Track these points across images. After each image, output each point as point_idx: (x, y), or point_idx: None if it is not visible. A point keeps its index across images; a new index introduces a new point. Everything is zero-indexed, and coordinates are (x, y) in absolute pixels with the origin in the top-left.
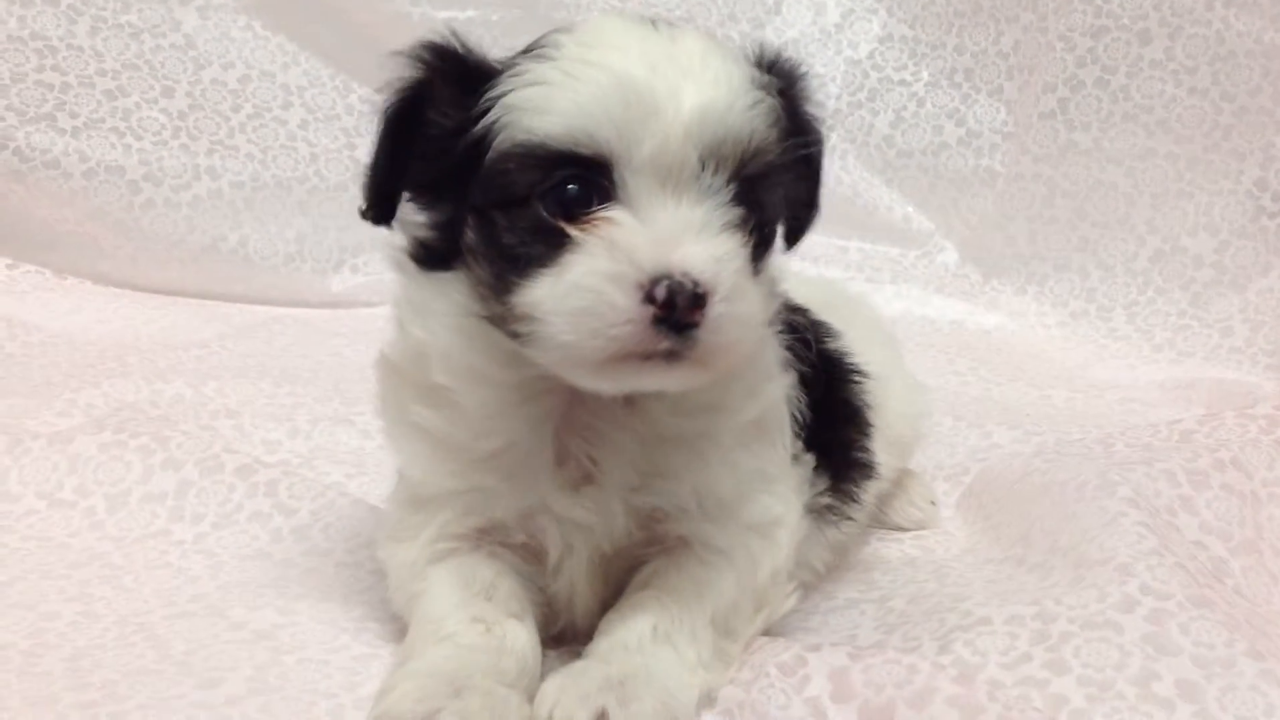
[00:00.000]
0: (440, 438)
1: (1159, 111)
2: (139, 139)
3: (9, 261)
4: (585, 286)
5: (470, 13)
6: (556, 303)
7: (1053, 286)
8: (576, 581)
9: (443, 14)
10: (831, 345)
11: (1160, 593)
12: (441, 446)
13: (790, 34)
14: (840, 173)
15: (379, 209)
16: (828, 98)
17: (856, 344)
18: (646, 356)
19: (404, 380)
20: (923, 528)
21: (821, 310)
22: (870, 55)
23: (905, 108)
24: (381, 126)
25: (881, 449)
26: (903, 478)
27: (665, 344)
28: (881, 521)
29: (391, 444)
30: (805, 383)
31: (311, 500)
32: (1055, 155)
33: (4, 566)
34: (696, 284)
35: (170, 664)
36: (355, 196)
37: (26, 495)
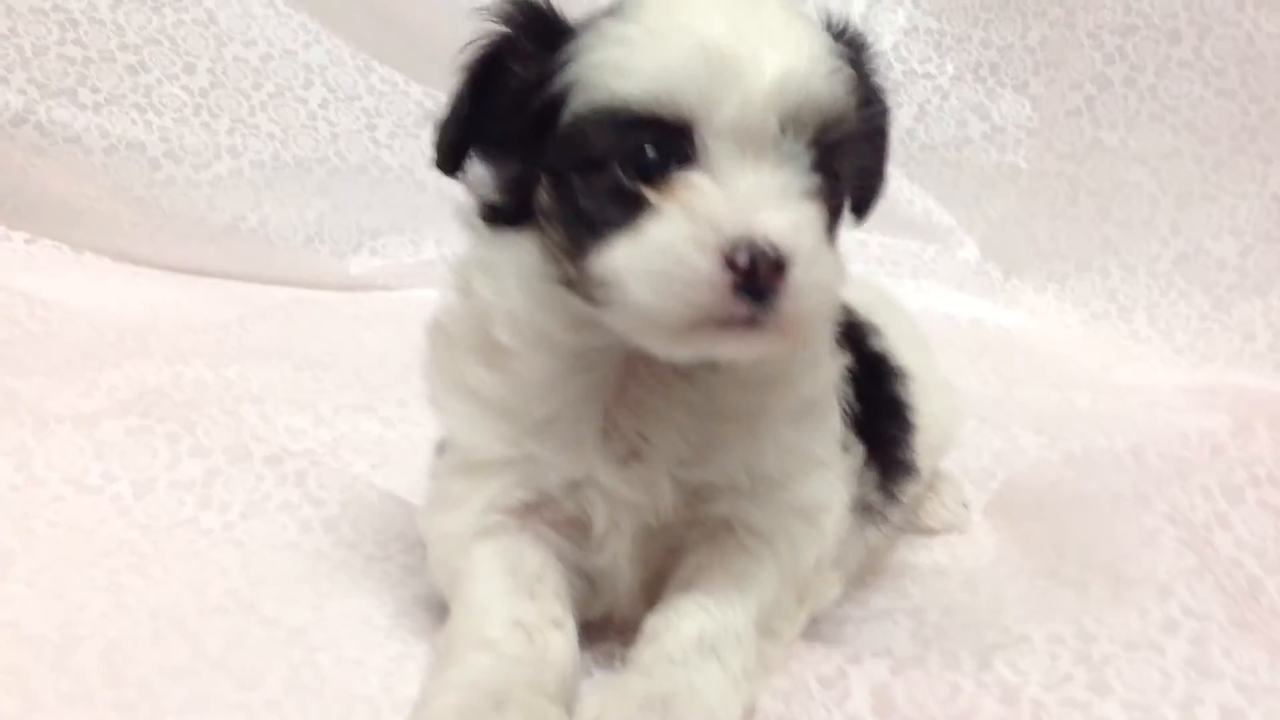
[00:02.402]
0: (494, 401)
1: (1186, 112)
2: (160, 115)
3: (27, 236)
4: (665, 250)
5: None
6: (635, 266)
7: (1074, 286)
8: (620, 558)
9: None
10: (876, 344)
11: (1201, 614)
12: (494, 410)
13: None
14: None
15: (452, 159)
16: None
17: (893, 345)
18: (725, 323)
19: (460, 344)
20: (952, 530)
21: (863, 308)
22: (895, 47)
23: (929, 101)
24: (464, 77)
25: (918, 451)
26: (934, 479)
27: (745, 310)
28: (911, 523)
29: (440, 410)
30: (854, 375)
31: (340, 492)
32: (1080, 153)
33: (32, 553)
34: (778, 250)
35: (205, 662)
36: (375, 178)
37: (52, 479)
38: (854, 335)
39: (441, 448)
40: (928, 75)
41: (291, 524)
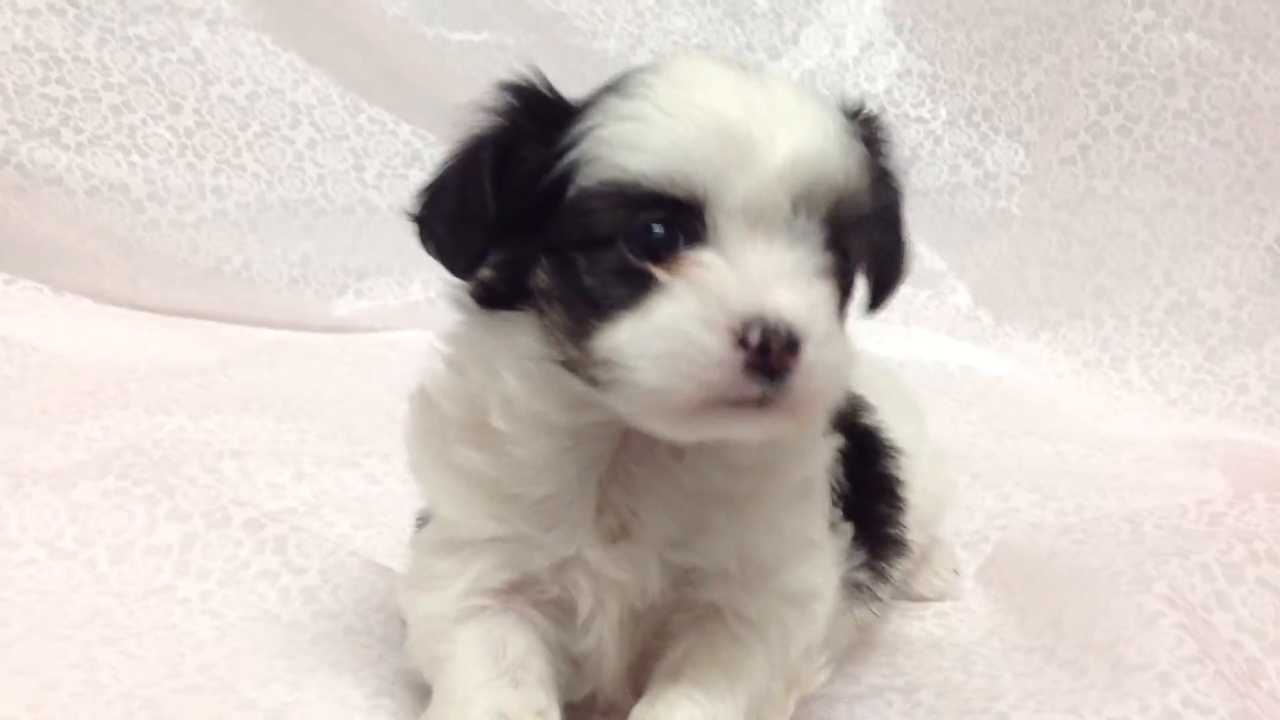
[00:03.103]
0: (483, 481)
1: (1181, 162)
2: (144, 156)
3: (6, 277)
4: (674, 329)
5: (485, 35)
6: (642, 346)
7: (1066, 334)
8: (606, 641)
9: (457, 36)
10: (867, 419)
11: (1203, 706)
12: (483, 489)
13: (807, 64)
14: None
15: (474, 263)
16: None
17: (885, 417)
18: (736, 403)
19: (447, 419)
20: (945, 598)
21: (854, 381)
22: (888, 90)
23: (922, 145)
24: (477, 174)
25: (909, 526)
26: (927, 546)
27: (757, 389)
28: (904, 591)
29: (424, 483)
30: (843, 454)
31: (320, 559)
32: (1074, 201)
33: (5, 624)
34: (790, 329)
35: None
36: (362, 219)
37: (26, 543)
38: (845, 411)
39: (423, 519)
40: (920, 119)
41: (270, 593)
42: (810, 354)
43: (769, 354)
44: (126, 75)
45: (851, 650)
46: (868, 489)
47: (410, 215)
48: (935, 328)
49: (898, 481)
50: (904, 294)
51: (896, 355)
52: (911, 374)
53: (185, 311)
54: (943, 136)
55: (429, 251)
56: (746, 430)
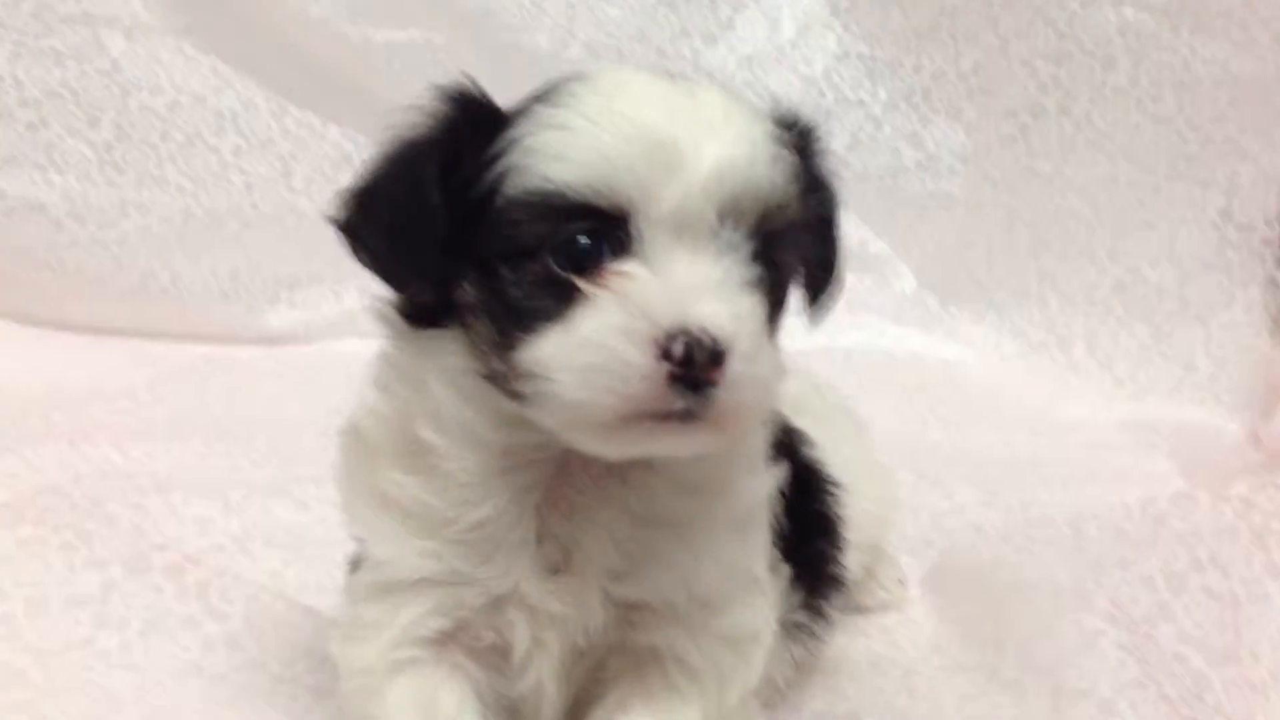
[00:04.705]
0: (414, 509)
1: (1122, 139)
2: (62, 174)
3: None
4: (597, 342)
5: (411, 33)
6: (566, 358)
7: (1012, 316)
8: (545, 682)
9: (382, 34)
10: (807, 453)
11: None
12: (414, 520)
13: (744, 50)
14: None
15: (422, 278)
16: None
17: (826, 440)
18: (661, 417)
19: (378, 450)
20: (889, 609)
21: (792, 407)
22: (826, 74)
23: (862, 129)
24: (426, 187)
25: (851, 550)
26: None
27: (681, 403)
28: (849, 602)
29: (354, 522)
30: (783, 492)
31: (244, 604)
32: (1016, 182)
33: None
34: (715, 341)
35: None
36: (292, 227)
37: None
38: (785, 444)
39: (356, 563)
40: (860, 102)
41: (193, 643)
42: (736, 367)
43: (693, 366)
44: (41, 90)
45: (787, 687)
46: (808, 527)
47: (336, 222)
48: (880, 314)
49: (838, 519)
50: (849, 280)
51: (841, 344)
52: (857, 363)
53: (113, 329)
54: (883, 120)
55: (362, 263)
56: (672, 445)
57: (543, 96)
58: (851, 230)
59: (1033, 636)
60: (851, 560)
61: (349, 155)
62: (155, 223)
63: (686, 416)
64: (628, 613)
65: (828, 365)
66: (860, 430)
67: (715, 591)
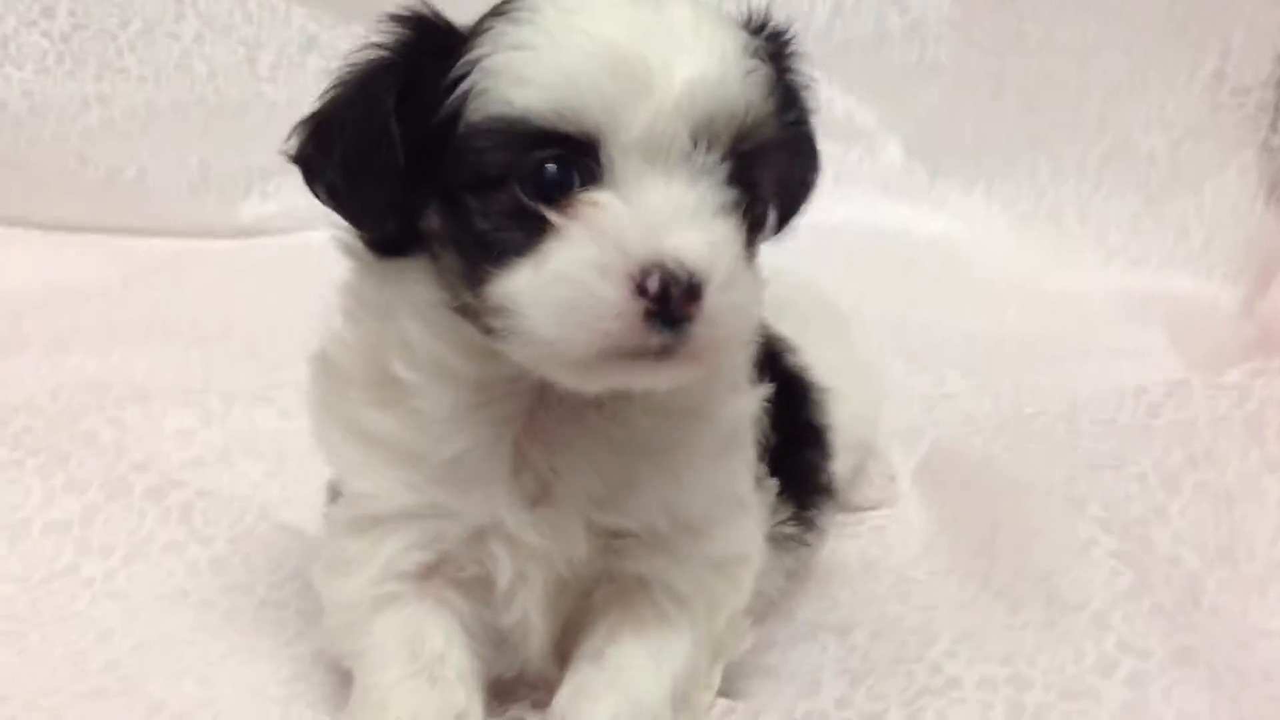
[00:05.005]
0: (391, 444)
1: (1112, 2)
2: (19, 68)
3: None
4: (569, 277)
5: None
6: (537, 295)
7: (1001, 185)
8: (530, 614)
9: None
10: (791, 361)
11: (1140, 650)
12: (391, 454)
13: None
14: None
15: (395, 222)
16: None
17: (810, 342)
18: (637, 353)
19: (349, 381)
20: (881, 506)
21: (773, 309)
22: None
23: None
24: (383, 118)
25: (840, 453)
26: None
27: (658, 339)
28: (840, 503)
29: (329, 454)
30: (768, 402)
31: (229, 526)
32: (1003, 47)
33: None
34: (691, 274)
35: None
36: (260, 116)
37: None
38: (769, 354)
39: (334, 492)
40: None
41: (178, 567)
42: (713, 299)
43: (669, 302)
44: None
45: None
46: (795, 438)
47: (291, 155)
48: (868, 187)
49: (825, 427)
50: (835, 153)
51: (829, 220)
52: (846, 240)
53: (82, 226)
54: None
55: (320, 199)
56: (650, 379)
57: (502, 11)
58: (837, 99)
59: (1025, 542)
60: (841, 462)
61: (315, 37)
62: (118, 115)
63: (664, 352)
64: (611, 541)
65: (815, 243)
66: (844, 327)
67: (700, 516)
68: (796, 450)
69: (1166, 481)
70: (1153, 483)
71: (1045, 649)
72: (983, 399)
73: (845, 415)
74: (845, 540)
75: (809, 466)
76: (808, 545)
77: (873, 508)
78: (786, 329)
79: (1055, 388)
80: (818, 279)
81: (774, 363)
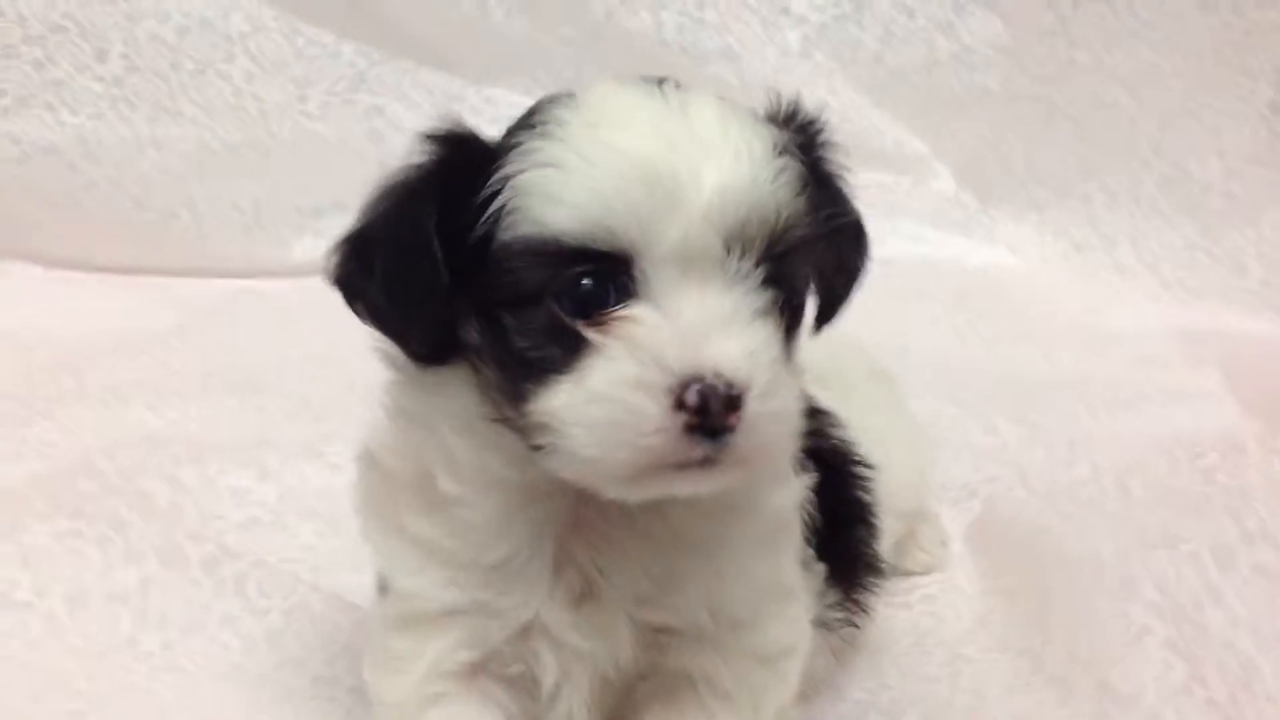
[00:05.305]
0: (436, 547)
1: (1165, 27)
2: (74, 114)
3: None
4: (609, 395)
5: None
6: (577, 413)
7: (1054, 215)
8: (576, 712)
9: None
10: (837, 437)
11: None
12: (438, 556)
13: None
14: (827, 94)
15: (429, 337)
16: (811, 9)
17: (854, 411)
18: (680, 466)
19: (394, 483)
20: (933, 571)
21: (816, 378)
22: None
23: (894, 20)
24: (425, 239)
25: (888, 518)
26: (912, 521)
27: (700, 451)
28: (892, 566)
29: (377, 551)
30: (814, 483)
31: (282, 598)
32: (1055, 74)
33: None
34: (731, 384)
35: None
36: (310, 154)
37: None
38: (814, 432)
39: (383, 584)
40: None
41: (234, 640)
42: (753, 408)
43: (709, 415)
44: (45, 25)
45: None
46: (842, 517)
47: (331, 275)
48: (918, 218)
49: (871, 505)
50: (884, 183)
51: (879, 253)
52: (896, 274)
53: (139, 269)
54: (916, 10)
55: (362, 318)
56: (694, 487)
57: (530, 124)
58: (887, 128)
59: (1077, 625)
60: (890, 530)
61: (363, 74)
62: (172, 159)
63: (706, 462)
64: (655, 637)
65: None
66: (891, 391)
67: (745, 610)
68: (843, 530)
69: (1221, 559)
70: (1206, 560)
71: None
72: (1035, 450)
73: (893, 484)
74: (897, 609)
75: (856, 546)
76: (855, 626)
77: (924, 573)
78: (830, 397)
79: (1109, 439)
80: (865, 329)
81: (819, 440)
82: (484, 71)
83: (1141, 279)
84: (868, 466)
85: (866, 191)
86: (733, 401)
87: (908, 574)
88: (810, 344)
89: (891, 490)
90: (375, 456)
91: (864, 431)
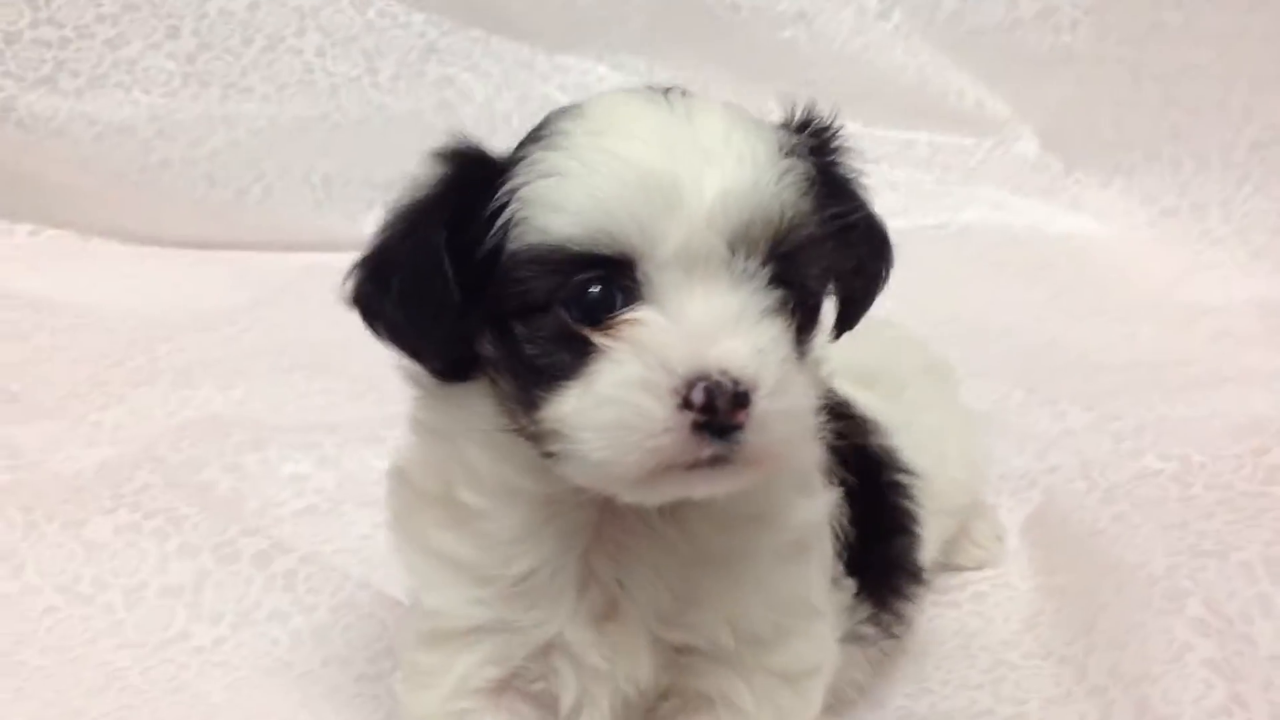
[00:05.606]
0: (461, 563)
1: None
2: (147, 92)
3: (31, 228)
4: (616, 398)
5: None
6: (586, 417)
7: (1141, 179)
8: None
9: None
10: (876, 444)
11: None
12: (462, 572)
13: None
14: (905, 56)
15: (444, 352)
16: None
17: (904, 411)
18: (691, 465)
19: (422, 496)
20: (985, 566)
21: (863, 380)
22: None
23: None
24: (436, 258)
25: (939, 517)
26: (967, 516)
27: (709, 450)
28: (944, 562)
29: (405, 566)
30: (850, 493)
31: (330, 595)
32: (1141, 34)
33: (26, 696)
34: (737, 382)
35: None
36: (380, 128)
37: (45, 588)
38: (851, 440)
39: (414, 599)
40: None
41: (283, 635)
42: (762, 404)
43: (717, 413)
44: (118, 3)
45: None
46: (880, 528)
47: (348, 295)
48: (999, 183)
49: (912, 514)
50: (964, 147)
51: (957, 220)
52: (974, 242)
53: (212, 243)
54: None
55: (380, 337)
56: (708, 487)
57: (538, 136)
58: (967, 89)
59: (1122, 639)
60: (941, 528)
61: (434, 44)
62: (244, 135)
63: (717, 461)
64: (676, 657)
65: (941, 248)
66: (945, 383)
67: (766, 627)
68: (882, 542)
69: (1273, 570)
70: (1259, 572)
71: None
72: (1101, 439)
73: (944, 482)
74: (945, 609)
75: (895, 557)
76: (894, 637)
77: (977, 568)
78: (878, 397)
79: (1181, 425)
80: (940, 304)
81: (857, 449)
82: (555, 39)
83: (1230, 247)
84: (910, 473)
85: (945, 156)
86: (740, 399)
87: (960, 569)
88: (860, 345)
89: (943, 489)
90: (404, 472)
91: (915, 430)
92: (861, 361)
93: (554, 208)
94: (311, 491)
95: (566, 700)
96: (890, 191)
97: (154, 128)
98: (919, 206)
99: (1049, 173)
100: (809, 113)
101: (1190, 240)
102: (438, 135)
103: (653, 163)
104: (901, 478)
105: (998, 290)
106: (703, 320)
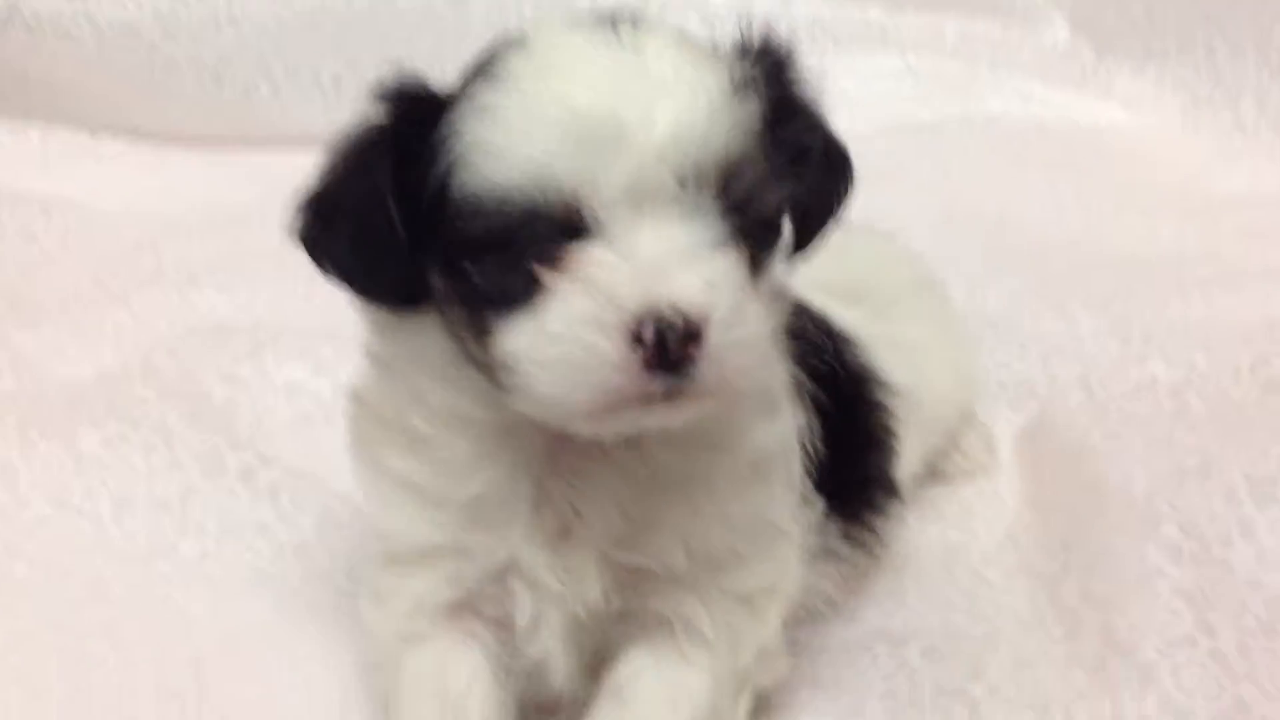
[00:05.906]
0: (417, 486)
1: None
2: None
3: (42, 128)
4: (565, 335)
5: None
6: (536, 354)
7: (1174, 67)
8: (553, 650)
9: None
10: (853, 360)
11: (1180, 708)
12: (419, 495)
13: None
14: None
15: (393, 289)
16: None
17: (890, 326)
18: (643, 400)
19: (378, 422)
20: (976, 476)
21: (847, 296)
22: None
23: None
24: (381, 198)
25: (923, 433)
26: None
27: (660, 385)
28: (934, 472)
29: (364, 490)
30: (820, 410)
31: (314, 510)
32: None
33: (9, 614)
34: (687, 317)
35: None
36: (387, 23)
37: (36, 499)
38: (829, 355)
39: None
40: None
41: (265, 548)
42: (715, 337)
43: (667, 349)
44: None
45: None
46: (856, 444)
47: (295, 234)
48: (1028, 72)
49: (889, 428)
50: (993, 32)
51: (984, 110)
52: (1000, 133)
53: (223, 139)
54: None
55: (326, 274)
56: (662, 420)
57: (481, 70)
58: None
59: (1096, 560)
60: (924, 444)
61: None
62: (250, 33)
63: (670, 395)
64: (632, 579)
65: (966, 139)
66: (935, 297)
67: (722, 549)
68: (855, 458)
69: (1257, 491)
70: (1242, 493)
71: (1087, 698)
72: (1108, 344)
73: (932, 397)
74: (930, 522)
75: (869, 473)
76: (869, 552)
77: (967, 479)
78: (863, 314)
79: (1191, 327)
80: (963, 198)
81: (831, 366)
82: None
83: (1263, 137)
84: (887, 387)
85: (972, 43)
86: (691, 334)
87: (950, 479)
88: (848, 261)
89: (927, 404)
90: (361, 397)
91: (900, 345)
92: (849, 277)
93: (497, 154)
94: (306, 398)
95: (521, 622)
96: (914, 80)
97: (159, 28)
98: (944, 96)
99: (1079, 60)
100: (764, 39)
101: (1222, 129)
102: (448, 30)
103: (596, 107)
104: (877, 393)
105: (1022, 184)
106: (652, 255)
